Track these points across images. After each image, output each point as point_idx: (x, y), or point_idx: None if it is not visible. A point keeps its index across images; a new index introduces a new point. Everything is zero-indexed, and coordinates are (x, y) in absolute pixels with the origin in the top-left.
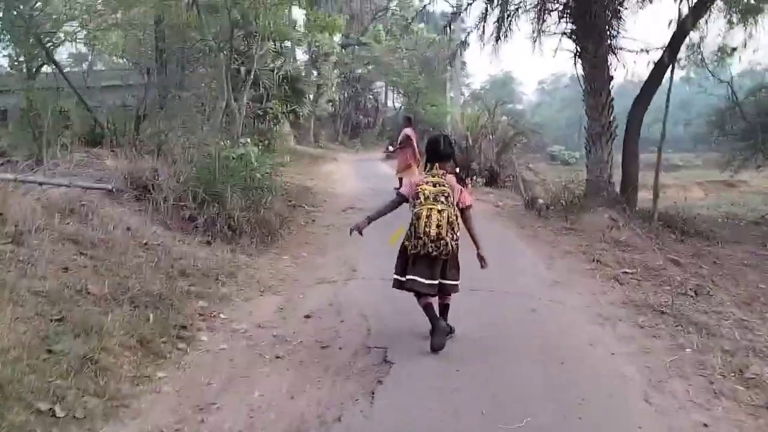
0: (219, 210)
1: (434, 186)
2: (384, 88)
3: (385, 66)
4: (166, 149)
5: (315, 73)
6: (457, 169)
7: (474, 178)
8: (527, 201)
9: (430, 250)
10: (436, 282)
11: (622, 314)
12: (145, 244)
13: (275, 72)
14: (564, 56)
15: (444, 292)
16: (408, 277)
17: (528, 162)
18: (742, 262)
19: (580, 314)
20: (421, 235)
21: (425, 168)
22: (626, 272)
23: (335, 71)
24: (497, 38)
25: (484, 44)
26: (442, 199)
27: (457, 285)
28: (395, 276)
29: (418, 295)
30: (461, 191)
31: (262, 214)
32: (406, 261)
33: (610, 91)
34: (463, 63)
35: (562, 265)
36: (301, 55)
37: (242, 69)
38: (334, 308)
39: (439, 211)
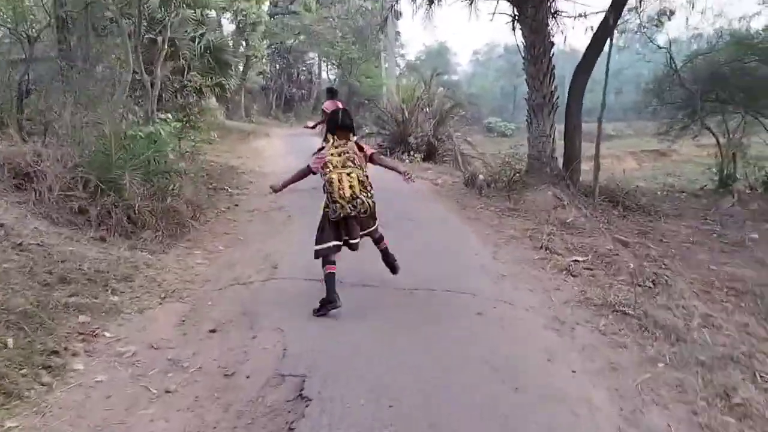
0: (116, 199)
1: (339, 155)
2: (317, 60)
3: (316, 36)
4: (56, 130)
5: (243, 44)
6: (355, 138)
7: (411, 153)
8: (467, 178)
9: (349, 210)
10: (357, 240)
11: (579, 316)
12: (20, 244)
13: (196, 42)
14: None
15: (375, 241)
16: (327, 244)
17: (465, 135)
18: (688, 239)
19: (533, 318)
20: (338, 199)
21: (325, 139)
22: (577, 260)
23: (265, 42)
24: (430, 1)
25: (416, 9)
26: (349, 163)
27: (377, 228)
28: (316, 247)
29: (327, 262)
30: (363, 152)
31: (169, 202)
32: (325, 228)
33: (551, 59)
34: (397, 33)
35: (509, 254)
36: (228, 25)
37: (158, 39)
38: (246, 318)
39: (349, 174)
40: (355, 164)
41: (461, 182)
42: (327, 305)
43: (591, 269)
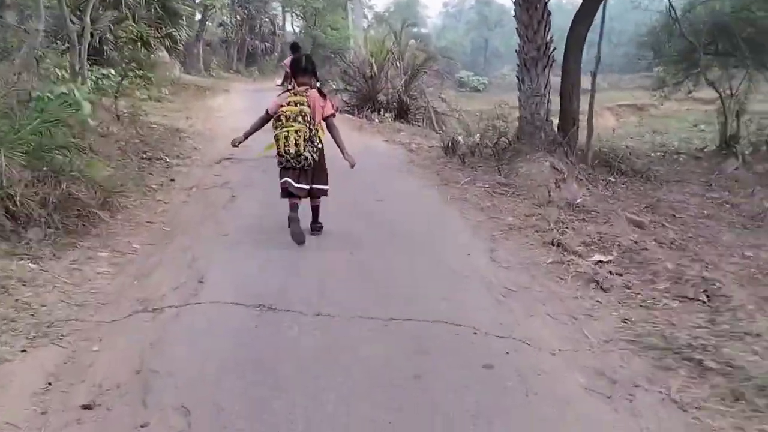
0: None
1: (295, 105)
2: (281, 11)
3: None
4: None
5: None
6: (318, 84)
7: (381, 112)
8: (447, 145)
9: (294, 164)
10: (306, 186)
11: (635, 369)
12: None
13: None
14: None
15: (313, 195)
16: (284, 179)
17: (439, 91)
18: (701, 212)
19: (565, 372)
20: (283, 153)
21: (289, 83)
22: (602, 262)
23: None
24: None
25: None
26: (300, 119)
27: (326, 189)
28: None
29: (290, 196)
30: (324, 105)
31: (65, 187)
32: (282, 170)
33: (546, 3)
34: None
35: (512, 253)
36: None
37: None
38: (139, 384)
39: (296, 131)
40: (305, 120)
41: (439, 148)
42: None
43: (621, 275)
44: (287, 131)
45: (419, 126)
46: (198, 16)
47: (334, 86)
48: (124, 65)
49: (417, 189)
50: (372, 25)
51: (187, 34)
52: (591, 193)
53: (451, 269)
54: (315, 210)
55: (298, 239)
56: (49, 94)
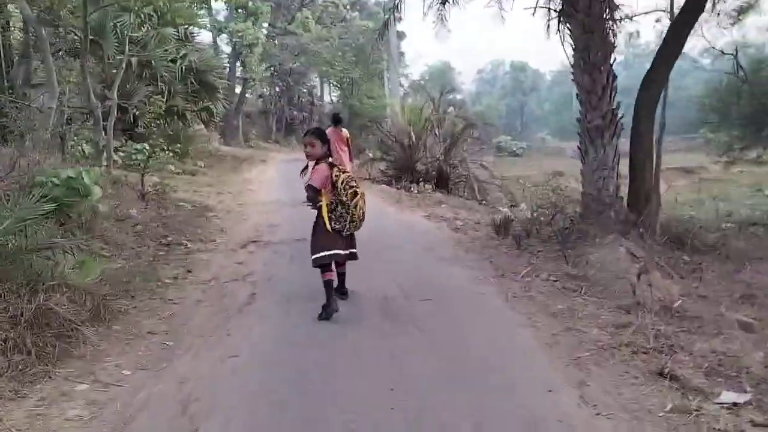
0: None
1: (342, 173)
2: (319, 82)
3: (314, 55)
4: None
5: (239, 66)
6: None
7: (420, 182)
8: (498, 224)
9: (356, 228)
10: (347, 252)
11: None
12: None
13: (177, 63)
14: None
15: (352, 258)
16: (333, 251)
17: (479, 157)
18: None
19: None
20: (356, 220)
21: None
22: (736, 405)
23: (263, 65)
24: (443, 1)
25: (427, 9)
26: (353, 183)
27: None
28: (323, 253)
29: (326, 268)
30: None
31: (41, 300)
32: (327, 239)
33: (612, 66)
34: (401, 53)
35: (609, 391)
36: (225, 47)
37: (133, 60)
38: None
39: (362, 195)
40: (356, 183)
41: (486, 223)
42: (327, 309)
43: None
44: (361, 196)
45: (460, 196)
46: (238, 89)
47: (370, 155)
48: (155, 140)
49: (468, 282)
50: (408, 93)
51: (225, 107)
52: (678, 283)
53: (529, 415)
54: (344, 276)
55: (333, 311)
56: (54, 179)
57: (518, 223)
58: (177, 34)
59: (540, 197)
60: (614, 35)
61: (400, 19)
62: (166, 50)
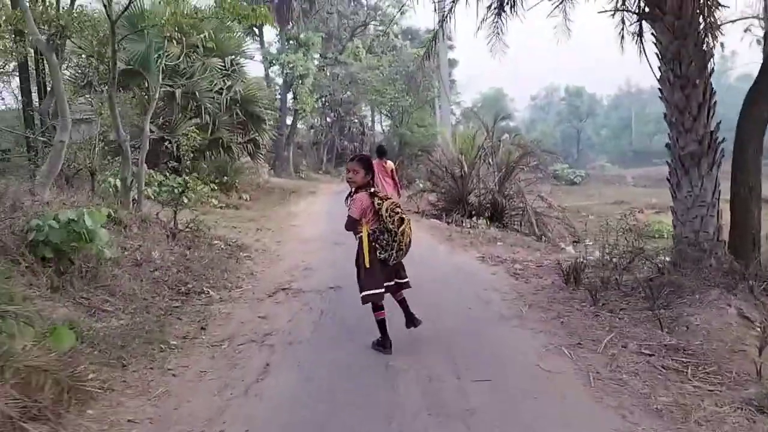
0: None
1: (383, 200)
2: (370, 112)
3: (364, 84)
4: None
5: (291, 97)
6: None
7: (473, 216)
8: (568, 272)
9: (403, 256)
10: (394, 283)
11: None
12: None
13: (223, 94)
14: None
15: (405, 287)
16: (380, 290)
17: (537, 188)
18: None
19: None
20: (403, 247)
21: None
22: None
23: (314, 95)
24: (499, 11)
25: (480, 24)
26: (398, 210)
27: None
28: (372, 291)
29: (377, 308)
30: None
31: None
32: (377, 271)
33: (709, 78)
34: (452, 81)
35: None
36: (277, 78)
37: (177, 91)
38: None
39: (408, 221)
40: (401, 209)
41: (550, 265)
42: (381, 345)
43: None
44: (407, 222)
45: (517, 230)
46: (290, 120)
47: (420, 185)
48: (196, 173)
49: (536, 354)
50: (460, 120)
51: (273, 138)
52: None
53: None
54: (405, 303)
55: (390, 345)
56: (52, 222)
57: (589, 267)
58: (223, 64)
59: (603, 229)
60: (714, 40)
61: (451, 46)
62: (211, 81)
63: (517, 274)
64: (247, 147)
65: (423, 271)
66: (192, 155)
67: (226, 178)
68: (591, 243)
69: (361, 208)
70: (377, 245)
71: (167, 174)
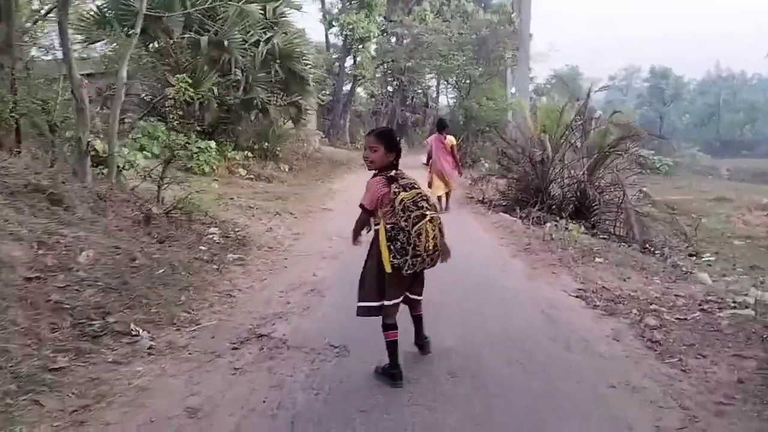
0: None
1: (406, 190)
2: (435, 83)
3: (429, 47)
4: None
5: (350, 62)
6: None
7: (560, 213)
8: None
9: (426, 265)
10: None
11: None
12: None
13: (259, 47)
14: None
15: (414, 304)
16: (392, 301)
17: (637, 181)
18: None
19: None
20: (422, 253)
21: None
22: None
23: (375, 61)
24: None
25: None
26: (425, 204)
27: (421, 301)
28: (366, 303)
29: (388, 327)
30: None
31: None
32: (383, 281)
33: None
34: (530, 35)
35: None
36: (334, 39)
37: (202, 39)
38: None
39: (431, 221)
40: (429, 203)
41: (701, 319)
42: (390, 374)
43: None
44: (428, 223)
45: (609, 233)
46: (347, 86)
47: (487, 166)
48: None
49: None
50: (533, 98)
51: (320, 102)
52: None
53: None
54: (420, 320)
55: (398, 378)
56: None
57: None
58: (263, 12)
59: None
60: None
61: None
62: (247, 31)
63: (656, 343)
64: (288, 111)
65: (486, 321)
66: (220, 116)
67: (266, 144)
68: (713, 258)
69: (373, 196)
70: (392, 246)
71: (193, 136)
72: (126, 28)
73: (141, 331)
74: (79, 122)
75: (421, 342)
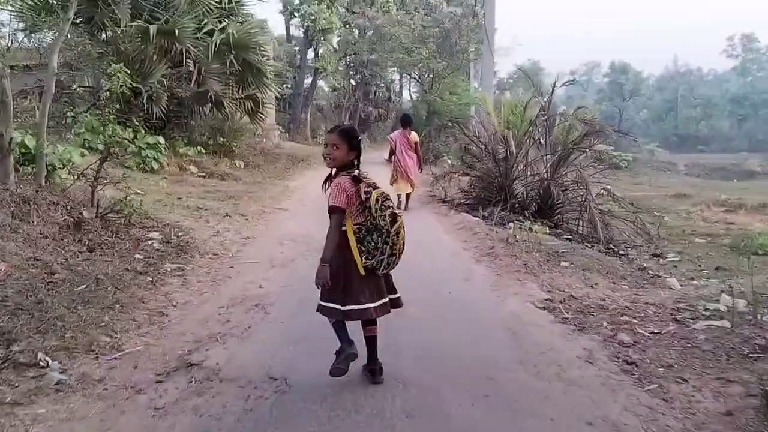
0: None
1: (371, 187)
2: (398, 77)
3: (391, 40)
4: None
5: (312, 54)
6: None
7: (523, 212)
8: None
9: (396, 263)
10: (380, 303)
11: None
12: None
13: (214, 36)
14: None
15: (395, 306)
16: (356, 306)
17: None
18: None
19: None
20: (397, 253)
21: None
22: None
23: (337, 54)
24: None
25: None
26: (390, 204)
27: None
28: (330, 305)
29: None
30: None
31: None
32: (351, 282)
33: None
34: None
35: None
36: (296, 32)
37: (151, 28)
38: None
39: (401, 220)
40: (391, 202)
41: (677, 333)
42: (342, 355)
43: None
44: (401, 220)
45: (571, 232)
46: (308, 79)
47: (449, 162)
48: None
49: None
50: (495, 93)
51: (278, 95)
52: None
53: None
54: (374, 341)
55: (352, 355)
56: None
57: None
58: (218, 0)
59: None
60: None
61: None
62: (200, 20)
63: (633, 365)
64: (244, 104)
65: (449, 345)
66: (171, 110)
67: (222, 139)
68: (677, 258)
69: (342, 196)
70: (362, 247)
71: (143, 130)
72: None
73: (50, 361)
74: (0, 117)
75: (374, 367)
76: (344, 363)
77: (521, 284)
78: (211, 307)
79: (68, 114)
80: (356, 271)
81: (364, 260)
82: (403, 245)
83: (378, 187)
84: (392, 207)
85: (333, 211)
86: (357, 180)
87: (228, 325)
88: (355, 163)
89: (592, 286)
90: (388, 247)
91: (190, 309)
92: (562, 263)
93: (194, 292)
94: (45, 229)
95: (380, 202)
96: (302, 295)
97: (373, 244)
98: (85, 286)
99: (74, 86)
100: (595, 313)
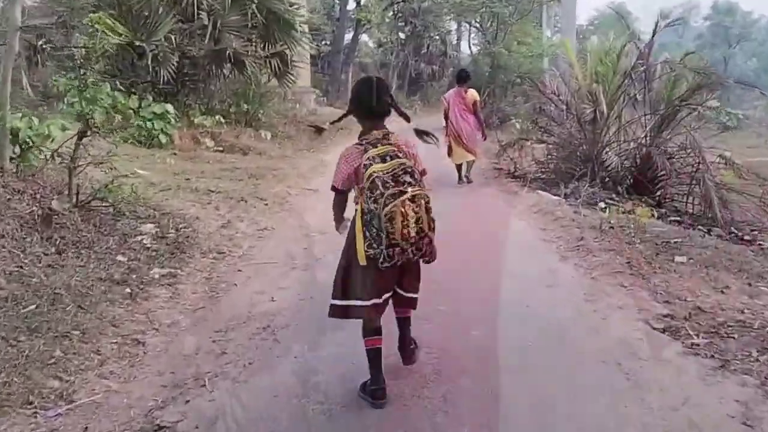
0: None
1: (384, 160)
2: (456, 27)
3: None
4: None
5: (353, 4)
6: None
7: (618, 187)
8: None
9: (411, 255)
10: (390, 294)
11: None
12: None
13: None
14: None
15: (404, 305)
16: (362, 302)
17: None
18: None
19: None
20: (399, 241)
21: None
22: None
23: (383, 3)
24: None
25: None
26: (407, 178)
27: (417, 299)
28: (339, 301)
29: (369, 332)
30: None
31: None
32: (356, 275)
33: None
34: None
35: None
36: None
37: None
38: None
39: (413, 200)
40: (414, 178)
41: None
42: (370, 388)
43: None
44: (402, 203)
45: (679, 212)
46: (349, 33)
47: (518, 127)
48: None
49: None
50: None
51: (312, 52)
52: None
53: None
54: (407, 323)
55: (380, 390)
56: None
57: None
58: None
59: None
60: None
61: None
62: None
63: None
64: (270, 64)
65: (531, 397)
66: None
67: (246, 106)
68: None
69: (344, 173)
70: (367, 233)
71: (150, 97)
72: None
73: None
74: None
75: (406, 348)
76: (373, 398)
77: (627, 292)
78: (205, 330)
79: (55, 80)
80: (357, 260)
81: (366, 248)
82: (417, 233)
83: (397, 158)
84: (406, 184)
85: (332, 188)
86: (366, 147)
87: (222, 360)
88: (372, 126)
89: (722, 291)
90: (384, 234)
91: (176, 334)
92: (677, 258)
93: (185, 309)
94: (3, 226)
95: (373, 178)
96: (326, 312)
97: (375, 230)
98: (35, 306)
99: (69, 46)
100: (735, 335)
